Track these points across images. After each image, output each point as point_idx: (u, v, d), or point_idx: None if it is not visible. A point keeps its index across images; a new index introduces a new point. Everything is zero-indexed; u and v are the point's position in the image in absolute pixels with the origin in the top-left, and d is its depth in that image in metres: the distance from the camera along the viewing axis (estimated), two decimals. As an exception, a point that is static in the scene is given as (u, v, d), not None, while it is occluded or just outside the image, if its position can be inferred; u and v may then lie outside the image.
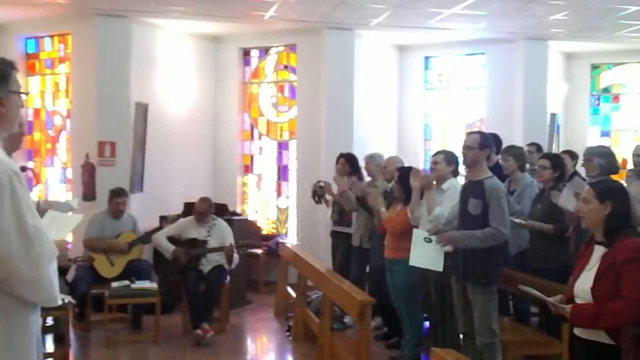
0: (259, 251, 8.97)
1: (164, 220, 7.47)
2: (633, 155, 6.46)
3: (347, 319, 6.77)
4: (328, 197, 7.49)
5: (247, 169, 10.19)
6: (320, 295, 6.50)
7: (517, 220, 5.68)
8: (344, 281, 5.59)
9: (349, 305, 5.07)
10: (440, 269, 4.96)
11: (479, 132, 5.32)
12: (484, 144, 4.84)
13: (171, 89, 9.22)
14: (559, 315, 3.54)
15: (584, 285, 3.31)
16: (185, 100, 9.52)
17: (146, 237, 7.22)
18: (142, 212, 8.09)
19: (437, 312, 5.41)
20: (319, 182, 7.65)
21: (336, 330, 6.01)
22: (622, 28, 8.89)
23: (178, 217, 7.50)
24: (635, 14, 8.05)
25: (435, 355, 3.37)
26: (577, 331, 3.40)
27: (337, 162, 7.46)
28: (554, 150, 9.58)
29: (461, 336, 5.05)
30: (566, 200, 5.31)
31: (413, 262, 5.06)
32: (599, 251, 3.35)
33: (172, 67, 9.27)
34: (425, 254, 4.98)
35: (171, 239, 7.05)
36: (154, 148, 8.65)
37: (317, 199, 7.71)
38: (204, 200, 7.19)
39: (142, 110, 8.39)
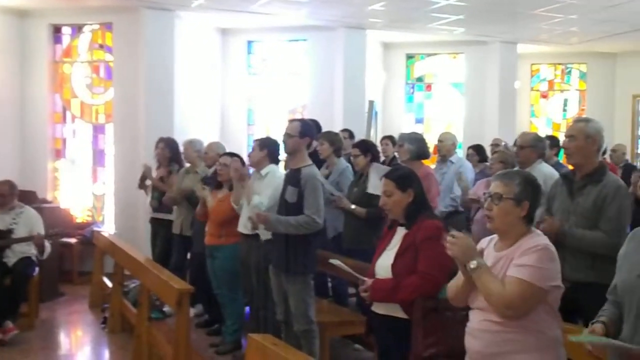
0: (73, 240, 8.47)
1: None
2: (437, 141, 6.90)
3: (166, 308, 6.59)
4: (147, 182, 7.24)
5: (59, 153, 9.55)
6: (138, 285, 6.29)
7: (337, 193, 5.80)
8: (162, 270, 5.44)
9: (167, 294, 4.95)
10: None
11: (300, 120, 5.34)
12: (305, 132, 4.82)
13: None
14: (361, 297, 3.67)
15: (384, 263, 3.53)
16: (-13, 79, 8.73)
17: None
18: None
19: (258, 297, 5.39)
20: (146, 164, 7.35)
21: (155, 319, 5.88)
22: (434, 21, 9.37)
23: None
24: (445, 7, 8.51)
25: (252, 341, 3.35)
26: (374, 308, 3.59)
27: (157, 146, 7.23)
28: (372, 136, 9.93)
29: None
30: (375, 186, 5.48)
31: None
32: (401, 232, 3.58)
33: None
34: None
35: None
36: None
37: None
38: (5, 182, 6.64)
39: None
